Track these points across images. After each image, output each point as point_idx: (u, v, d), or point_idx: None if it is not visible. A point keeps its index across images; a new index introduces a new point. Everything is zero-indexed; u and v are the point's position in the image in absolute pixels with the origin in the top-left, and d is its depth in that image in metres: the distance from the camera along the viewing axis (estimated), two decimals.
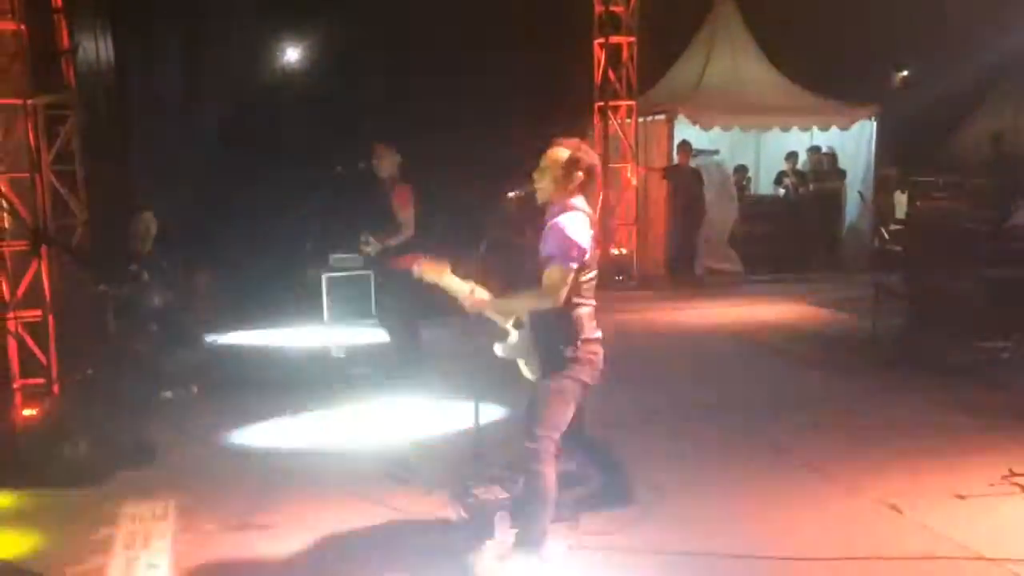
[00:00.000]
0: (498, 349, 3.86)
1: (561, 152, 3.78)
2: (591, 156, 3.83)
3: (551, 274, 3.61)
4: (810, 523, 4.30)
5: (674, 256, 12.04)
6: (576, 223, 3.66)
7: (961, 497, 4.54)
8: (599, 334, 3.79)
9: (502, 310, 3.83)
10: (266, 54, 12.41)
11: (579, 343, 3.69)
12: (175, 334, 7.58)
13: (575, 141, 3.85)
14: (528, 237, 10.39)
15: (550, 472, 3.70)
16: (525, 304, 3.76)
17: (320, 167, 7.55)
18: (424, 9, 11.89)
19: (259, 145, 11.21)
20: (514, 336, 3.81)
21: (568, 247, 3.60)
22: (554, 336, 3.70)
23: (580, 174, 3.74)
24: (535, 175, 3.81)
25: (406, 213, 6.49)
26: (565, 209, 3.73)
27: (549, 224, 3.72)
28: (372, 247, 6.53)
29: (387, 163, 6.60)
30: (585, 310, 3.73)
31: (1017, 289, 6.88)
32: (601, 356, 3.80)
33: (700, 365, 7.44)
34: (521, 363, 3.87)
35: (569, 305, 3.66)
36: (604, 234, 12.06)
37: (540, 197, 3.82)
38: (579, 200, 3.77)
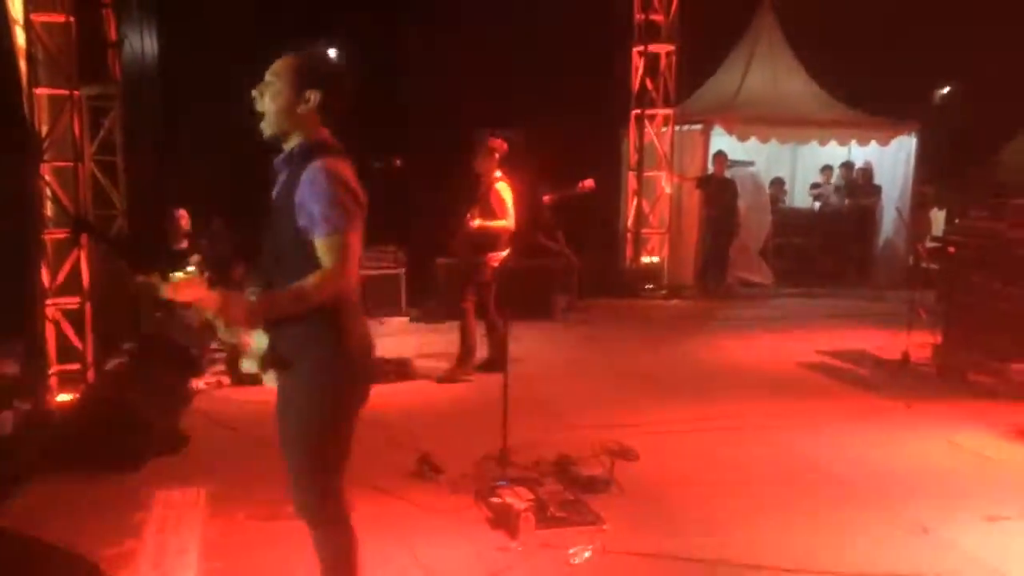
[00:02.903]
0: (248, 365, 2.86)
1: (288, 59, 2.79)
2: (343, 72, 2.91)
3: (332, 244, 2.64)
4: (836, 539, 4.27)
5: (705, 266, 12.01)
6: (341, 168, 2.73)
7: (992, 519, 4.50)
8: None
9: (279, 313, 2.69)
10: (307, 48, 12.52)
11: (348, 337, 2.77)
12: (210, 326, 7.69)
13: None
14: (558, 239, 10.48)
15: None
16: (304, 298, 2.65)
17: (357, 163, 7.62)
18: (463, 12, 11.97)
19: None
20: (262, 342, 2.78)
21: (338, 203, 2.65)
22: (313, 335, 2.74)
23: (315, 92, 2.74)
24: (254, 93, 2.81)
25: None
26: (313, 150, 2.73)
27: (303, 175, 2.68)
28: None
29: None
30: (355, 294, 2.80)
31: None
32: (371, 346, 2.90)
33: (725, 377, 7.41)
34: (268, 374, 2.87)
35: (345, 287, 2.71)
36: (636, 243, 12.09)
37: (265, 129, 2.82)
38: (321, 139, 2.80)
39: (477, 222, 6.89)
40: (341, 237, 2.63)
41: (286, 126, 2.78)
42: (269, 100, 2.77)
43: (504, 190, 6.91)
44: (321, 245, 2.63)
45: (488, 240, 6.92)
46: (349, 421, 2.86)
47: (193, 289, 2.65)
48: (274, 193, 2.81)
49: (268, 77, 2.79)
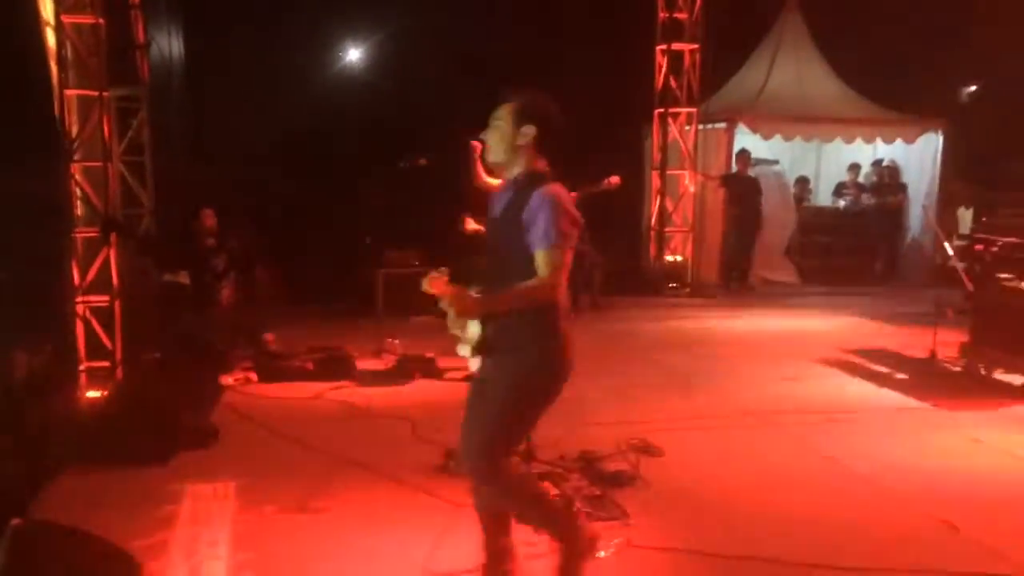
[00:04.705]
0: (463, 351, 3.39)
1: (510, 104, 3.29)
2: (555, 109, 3.33)
3: (547, 260, 3.10)
4: (862, 536, 4.26)
5: (729, 265, 11.97)
6: (563, 192, 3.21)
7: (1018, 516, 4.47)
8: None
9: (496, 309, 3.22)
10: (332, 52, 12.62)
11: (554, 337, 3.22)
12: (237, 324, 7.77)
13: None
14: (584, 238, 10.47)
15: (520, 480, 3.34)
16: (524, 298, 3.15)
17: (382, 163, 7.68)
18: (487, 12, 12.00)
19: (324, 140, 11.42)
20: (475, 330, 3.30)
21: (558, 223, 3.11)
22: (527, 331, 3.20)
23: (530, 128, 3.23)
24: (482, 135, 3.34)
25: None
26: (536, 178, 3.23)
27: (531, 198, 3.15)
28: None
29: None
30: (564, 301, 3.25)
31: None
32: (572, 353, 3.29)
33: (749, 374, 7.39)
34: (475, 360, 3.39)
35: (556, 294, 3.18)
36: (659, 241, 12.08)
37: (488, 157, 3.36)
38: (538, 171, 3.27)
39: (472, 225, 6.86)
40: (559, 253, 3.10)
41: (507, 157, 3.29)
42: (495, 136, 3.29)
43: None
44: (541, 258, 3.10)
45: None
46: (539, 409, 3.29)
47: (439, 283, 3.17)
48: (497, 211, 3.32)
49: (493, 121, 3.31)
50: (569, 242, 3.13)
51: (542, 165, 3.28)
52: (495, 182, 6.79)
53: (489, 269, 3.33)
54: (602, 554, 3.94)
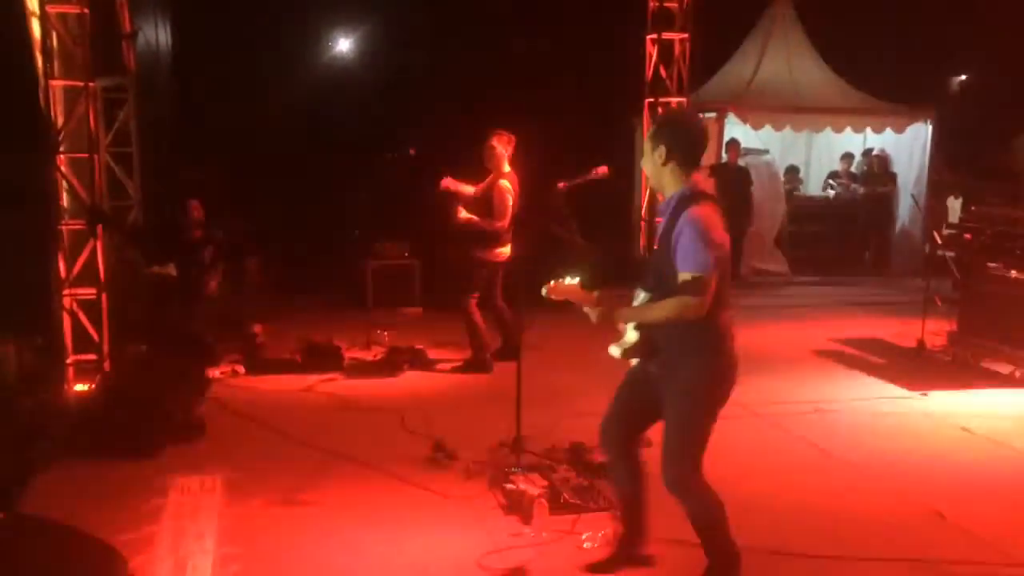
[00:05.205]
0: (614, 351, 3.55)
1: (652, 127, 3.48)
2: (685, 120, 3.52)
3: (690, 285, 3.21)
4: (855, 525, 4.27)
5: None
6: (708, 216, 3.25)
7: (1007, 505, 4.49)
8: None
9: (638, 320, 3.45)
10: (320, 42, 12.56)
11: (717, 354, 3.37)
12: (225, 316, 7.74)
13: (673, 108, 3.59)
14: (573, 229, 10.47)
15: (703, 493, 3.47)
16: (664, 315, 3.30)
17: (371, 154, 7.65)
18: (475, 2, 11.96)
19: (312, 131, 11.36)
20: (632, 336, 3.48)
21: (700, 248, 3.19)
22: (690, 345, 3.35)
23: (664, 147, 3.34)
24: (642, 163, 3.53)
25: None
26: (684, 199, 3.30)
27: (679, 220, 3.26)
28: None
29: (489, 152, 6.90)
30: (724, 317, 3.37)
31: None
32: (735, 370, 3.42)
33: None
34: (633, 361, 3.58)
35: (710, 313, 3.27)
36: (649, 232, 12.06)
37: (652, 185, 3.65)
38: (690, 188, 3.34)
39: (463, 214, 6.82)
40: (701, 276, 3.20)
41: (656, 180, 3.47)
42: (646, 163, 3.48)
43: (507, 190, 6.81)
44: (683, 279, 3.22)
45: (485, 237, 6.86)
46: (714, 415, 3.41)
47: (568, 290, 3.48)
48: (660, 229, 3.44)
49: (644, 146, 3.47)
50: (710, 265, 3.20)
51: (696, 181, 3.38)
52: (473, 217, 6.83)
53: (649, 280, 3.47)
54: (587, 545, 3.95)
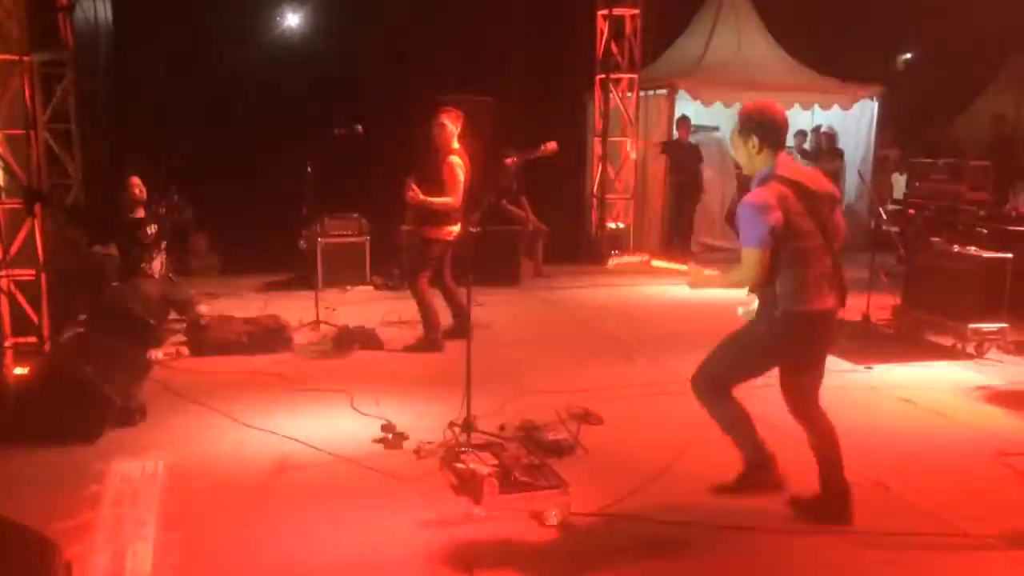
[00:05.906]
0: (740, 310, 4.10)
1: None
2: (768, 111, 3.83)
3: (744, 257, 3.73)
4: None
5: (670, 231, 12.01)
6: (756, 199, 3.70)
7: (950, 476, 4.56)
8: (818, 306, 3.80)
9: (723, 285, 4.01)
10: (266, 16, 12.30)
11: (789, 311, 3.77)
12: (168, 296, 7.57)
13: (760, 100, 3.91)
14: (522, 205, 10.41)
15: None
16: (731, 282, 3.92)
17: (318, 130, 7.50)
18: None
19: (258, 108, 11.14)
20: (753, 300, 3.99)
21: (750, 228, 3.67)
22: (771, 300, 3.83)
23: (753, 136, 3.79)
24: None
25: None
26: (761, 179, 3.79)
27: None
28: None
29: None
30: (798, 279, 3.74)
31: (1013, 272, 6.88)
32: (818, 331, 3.91)
33: (688, 340, 7.43)
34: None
35: (779, 275, 3.74)
36: (601, 208, 12.08)
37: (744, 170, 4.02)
38: (770, 169, 3.77)
39: (414, 193, 6.73)
40: (751, 252, 3.70)
41: (750, 168, 3.89)
42: (739, 155, 3.94)
43: (457, 165, 6.69)
44: (743, 254, 3.75)
45: (435, 215, 6.77)
46: (765, 364, 4.05)
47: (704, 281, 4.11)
48: None
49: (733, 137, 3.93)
50: (757, 240, 3.66)
51: (777, 163, 3.79)
52: (426, 197, 6.72)
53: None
54: (553, 522, 3.93)
